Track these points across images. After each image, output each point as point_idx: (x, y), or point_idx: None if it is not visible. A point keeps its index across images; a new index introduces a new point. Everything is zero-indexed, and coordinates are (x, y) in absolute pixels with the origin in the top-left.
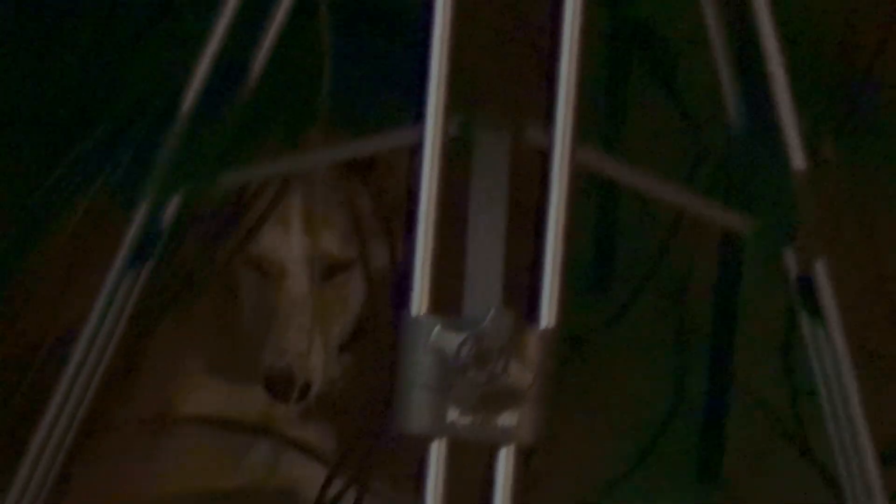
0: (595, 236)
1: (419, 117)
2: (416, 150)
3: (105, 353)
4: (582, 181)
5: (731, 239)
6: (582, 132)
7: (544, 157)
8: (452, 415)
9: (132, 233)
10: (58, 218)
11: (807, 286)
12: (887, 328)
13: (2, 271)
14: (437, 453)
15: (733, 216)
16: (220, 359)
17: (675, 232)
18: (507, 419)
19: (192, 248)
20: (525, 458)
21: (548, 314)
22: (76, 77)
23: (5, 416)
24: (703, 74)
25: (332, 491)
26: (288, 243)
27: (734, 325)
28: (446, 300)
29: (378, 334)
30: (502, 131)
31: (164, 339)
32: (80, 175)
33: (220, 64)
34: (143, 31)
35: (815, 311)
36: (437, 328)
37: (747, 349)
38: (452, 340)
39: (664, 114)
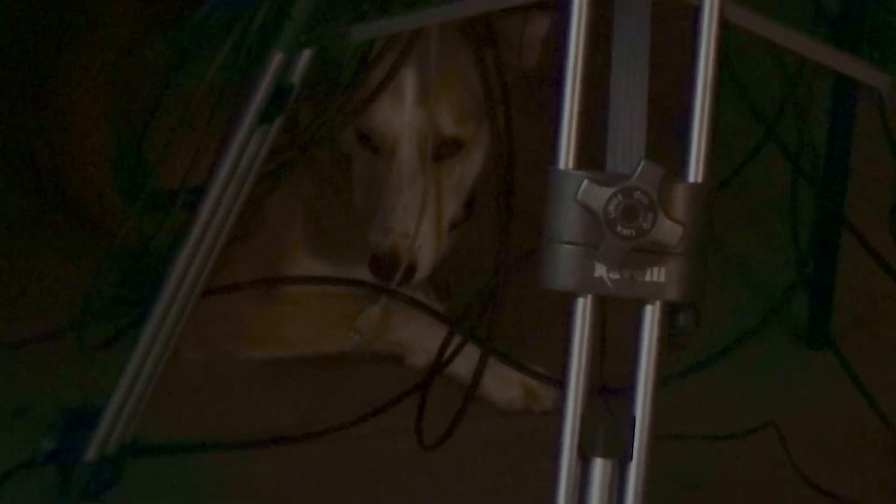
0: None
1: None
2: (563, 5)
3: (233, 207)
4: None
5: (842, 103)
6: None
7: (694, 11)
8: (600, 270)
9: (263, 86)
10: (192, 69)
11: None
12: None
13: (143, 118)
14: (583, 309)
15: (874, 71)
16: (329, 230)
17: (793, 94)
18: (654, 275)
19: (307, 116)
20: (672, 315)
21: (696, 169)
22: None
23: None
24: None
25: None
26: (401, 117)
27: (845, 185)
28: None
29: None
30: None
31: (275, 205)
32: (216, 24)
33: None
34: None
35: None
36: (585, 183)
37: (858, 212)
38: (600, 195)
39: None
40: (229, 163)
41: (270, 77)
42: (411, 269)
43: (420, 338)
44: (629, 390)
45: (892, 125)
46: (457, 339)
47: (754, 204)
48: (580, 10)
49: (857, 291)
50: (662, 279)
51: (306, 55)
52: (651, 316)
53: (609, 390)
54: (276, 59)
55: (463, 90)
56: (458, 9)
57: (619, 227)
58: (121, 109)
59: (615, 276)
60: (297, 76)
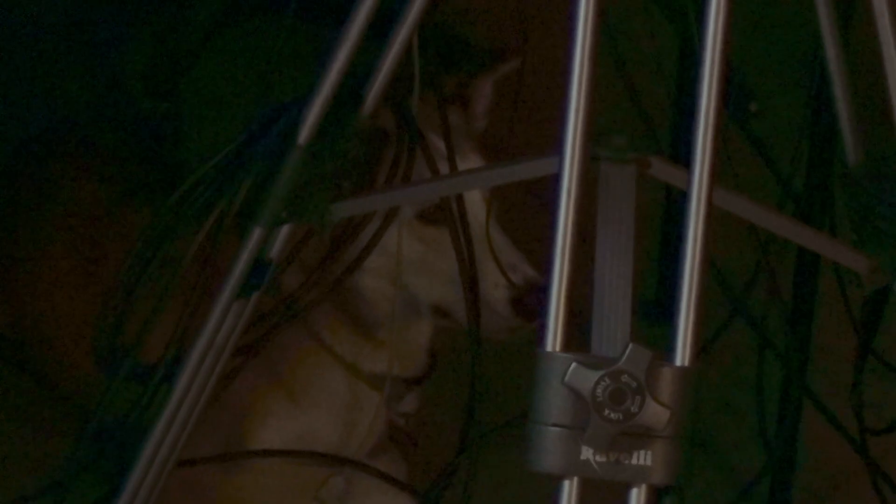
0: (660, 266)
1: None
2: (555, 181)
3: (210, 380)
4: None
5: (805, 275)
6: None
7: (670, 191)
8: (586, 453)
9: (243, 260)
10: (174, 243)
11: None
12: None
13: (123, 294)
14: (569, 492)
15: (851, 253)
16: (294, 391)
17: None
18: (641, 458)
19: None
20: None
21: (683, 353)
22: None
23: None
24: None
25: None
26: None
27: (808, 347)
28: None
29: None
30: (629, 164)
31: (243, 371)
32: (197, 200)
33: (337, 93)
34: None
35: None
36: (574, 366)
37: (820, 380)
38: (588, 378)
39: (745, 156)
40: (206, 336)
41: (249, 252)
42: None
43: None
44: None
45: (852, 299)
46: None
47: (721, 376)
48: (568, 197)
49: (819, 464)
50: (649, 462)
51: (285, 230)
52: (637, 499)
53: None
54: (256, 234)
55: None
56: (438, 188)
57: (606, 411)
58: (89, 280)
59: (602, 458)
60: (275, 251)
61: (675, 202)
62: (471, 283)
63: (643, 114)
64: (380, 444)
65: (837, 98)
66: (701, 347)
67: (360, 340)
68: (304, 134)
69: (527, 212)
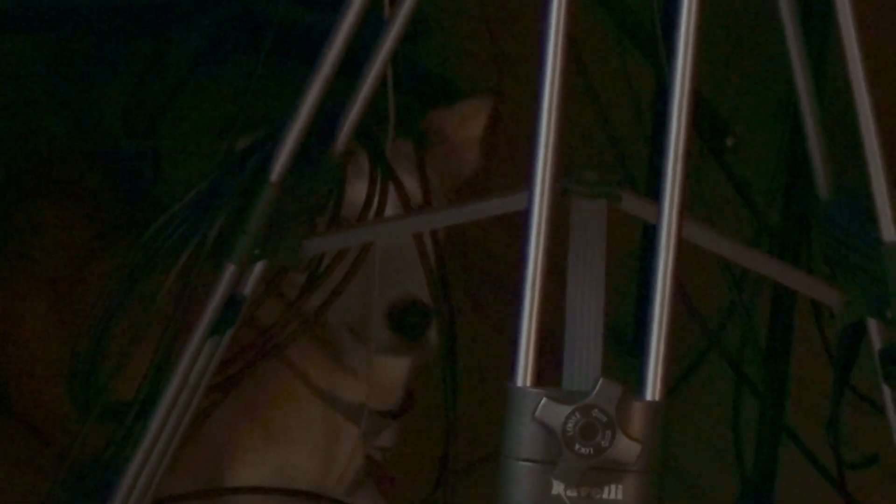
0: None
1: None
2: (524, 216)
3: (185, 418)
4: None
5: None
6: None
7: (645, 226)
8: (557, 488)
9: (216, 298)
10: (147, 278)
11: (892, 358)
12: None
13: (97, 332)
14: None
15: (824, 287)
16: (271, 426)
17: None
18: (612, 493)
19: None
20: None
21: (654, 387)
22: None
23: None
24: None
25: None
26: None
27: (785, 383)
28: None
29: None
30: (599, 199)
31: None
32: (170, 237)
33: (309, 130)
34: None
35: None
36: (544, 400)
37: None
38: (559, 413)
39: (721, 188)
40: (180, 374)
41: (223, 289)
42: None
43: None
44: None
45: (828, 334)
46: None
47: (697, 411)
48: (538, 231)
49: (797, 499)
50: (620, 497)
51: (259, 266)
52: None
53: None
54: (229, 271)
55: None
56: (410, 225)
57: (577, 445)
58: (67, 319)
59: (573, 493)
60: (248, 287)
61: (650, 236)
62: (449, 316)
63: (616, 148)
64: (357, 479)
65: (809, 133)
66: (672, 382)
67: (336, 370)
68: (277, 170)
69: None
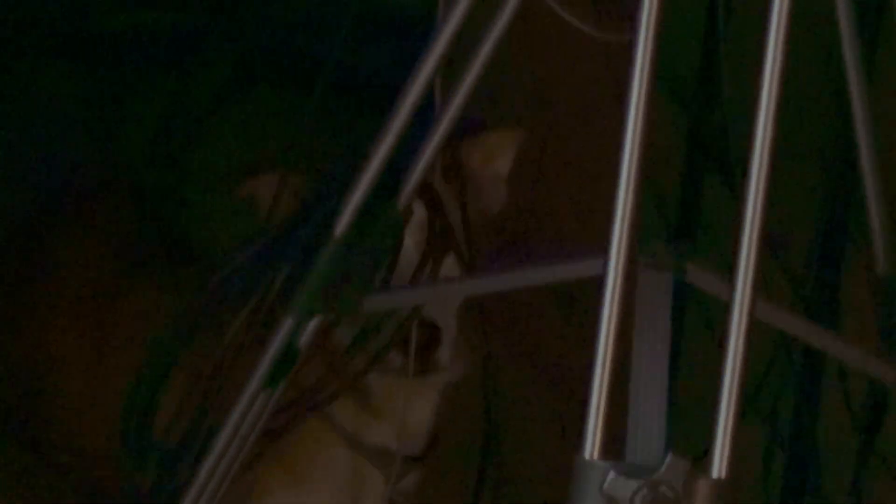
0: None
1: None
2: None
3: (231, 468)
4: None
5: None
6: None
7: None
8: None
9: (272, 350)
10: (207, 332)
11: None
12: None
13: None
14: None
15: (884, 365)
16: (295, 469)
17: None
18: None
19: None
20: None
21: (720, 465)
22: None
23: None
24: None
25: None
26: None
27: (812, 445)
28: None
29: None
30: (666, 271)
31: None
32: (233, 290)
33: (377, 185)
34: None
35: None
36: (612, 474)
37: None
38: (626, 488)
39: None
40: (232, 425)
41: (280, 342)
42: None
43: None
44: None
45: (855, 405)
46: None
47: None
48: (612, 301)
49: None
50: None
51: (315, 321)
52: None
53: None
54: (287, 324)
55: None
56: (466, 288)
57: None
58: (98, 352)
59: None
60: (304, 342)
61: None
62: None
63: (674, 215)
64: None
65: (869, 203)
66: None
67: (362, 412)
68: (342, 225)
69: None
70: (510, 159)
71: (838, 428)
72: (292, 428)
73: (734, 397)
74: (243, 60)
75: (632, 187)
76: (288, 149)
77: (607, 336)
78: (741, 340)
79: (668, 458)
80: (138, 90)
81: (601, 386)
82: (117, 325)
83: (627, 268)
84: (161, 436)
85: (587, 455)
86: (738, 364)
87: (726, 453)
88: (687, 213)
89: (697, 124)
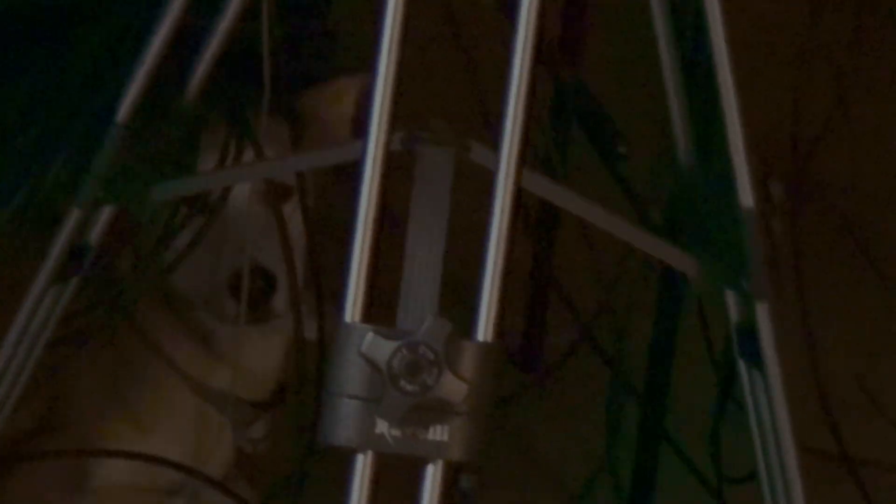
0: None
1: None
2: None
3: (22, 374)
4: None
5: (667, 299)
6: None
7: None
8: (381, 427)
9: (58, 245)
10: None
11: (748, 333)
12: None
13: None
14: (363, 467)
15: (681, 255)
16: (140, 418)
17: (610, 291)
18: (437, 433)
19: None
20: (455, 476)
21: (485, 328)
22: None
23: None
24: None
25: None
26: None
27: (667, 389)
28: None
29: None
30: (446, 147)
31: (80, 395)
32: (10, 176)
33: (159, 70)
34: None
35: (755, 359)
36: (370, 335)
37: (679, 413)
38: (385, 348)
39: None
40: (20, 324)
41: (66, 234)
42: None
43: None
44: None
45: (715, 346)
46: None
47: (569, 403)
48: (373, 166)
49: None
50: (446, 438)
51: (106, 214)
52: (433, 476)
53: None
54: (73, 215)
55: None
56: (260, 169)
57: (402, 383)
58: None
59: (397, 433)
60: (95, 235)
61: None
62: (317, 292)
63: (483, 109)
64: (228, 471)
65: (670, 97)
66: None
67: (205, 357)
68: (124, 112)
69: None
70: (353, 102)
71: (695, 377)
72: (98, 331)
73: (499, 259)
74: None
75: (392, 63)
76: None
77: (368, 201)
78: (507, 204)
79: (429, 320)
80: None
81: (362, 249)
82: None
83: (385, 145)
84: None
85: (348, 318)
86: (503, 227)
87: (492, 316)
88: None
89: None
